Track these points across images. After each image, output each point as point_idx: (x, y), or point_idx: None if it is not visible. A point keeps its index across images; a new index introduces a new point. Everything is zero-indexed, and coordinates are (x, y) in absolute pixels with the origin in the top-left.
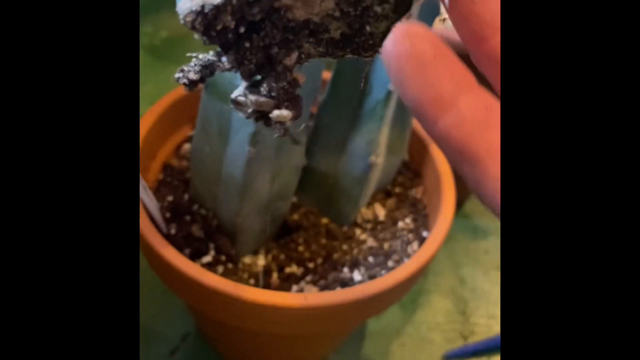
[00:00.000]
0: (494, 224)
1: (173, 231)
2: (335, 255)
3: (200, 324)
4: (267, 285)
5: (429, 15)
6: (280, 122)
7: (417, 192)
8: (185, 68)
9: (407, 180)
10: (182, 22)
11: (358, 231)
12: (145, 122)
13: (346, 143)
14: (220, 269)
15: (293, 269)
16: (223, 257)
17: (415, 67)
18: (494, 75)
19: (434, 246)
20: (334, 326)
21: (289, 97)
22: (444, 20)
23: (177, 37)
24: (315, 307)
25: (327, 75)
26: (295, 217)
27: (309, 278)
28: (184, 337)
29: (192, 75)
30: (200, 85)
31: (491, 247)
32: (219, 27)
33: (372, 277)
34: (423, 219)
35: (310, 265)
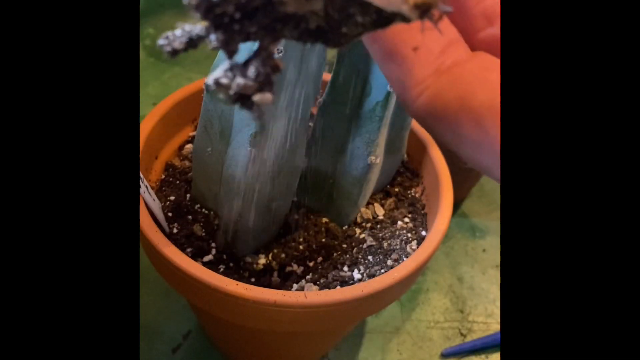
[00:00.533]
0: (492, 223)
1: (175, 230)
2: (335, 254)
3: (202, 321)
4: (267, 284)
5: None
6: (259, 105)
7: (416, 192)
8: (171, 36)
9: (406, 180)
10: (185, 1)
11: (357, 230)
12: (148, 123)
13: (346, 143)
14: (222, 267)
15: (293, 267)
16: (224, 256)
17: None
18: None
19: (433, 245)
20: (334, 324)
21: (269, 81)
22: None
23: None
24: (315, 305)
25: (327, 76)
26: (296, 216)
27: (309, 277)
28: (186, 335)
29: (177, 45)
30: (202, 87)
31: (489, 245)
32: (218, 12)
33: (371, 275)
34: (422, 219)
35: (311, 264)
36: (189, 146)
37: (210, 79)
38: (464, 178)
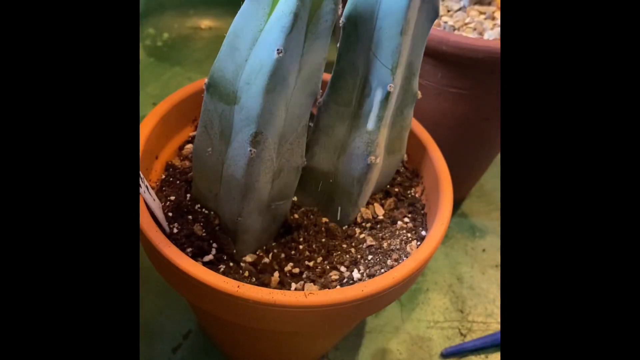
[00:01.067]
0: (492, 223)
1: (175, 230)
2: (335, 254)
3: (202, 321)
4: (267, 284)
5: (427, 18)
6: None
7: (416, 192)
8: None
9: (406, 180)
10: None
11: (357, 230)
12: (148, 123)
13: (346, 143)
14: (222, 267)
15: (293, 267)
16: (224, 256)
17: None
18: None
19: (433, 245)
20: (334, 324)
21: None
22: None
23: (180, 39)
24: (315, 305)
25: (327, 76)
26: (296, 216)
27: (309, 276)
28: (186, 335)
29: None
30: (202, 87)
31: (489, 245)
32: None
33: (371, 275)
34: (422, 218)
35: (310, 263)
36: (189, 146)
37: None
38: (464, 178)
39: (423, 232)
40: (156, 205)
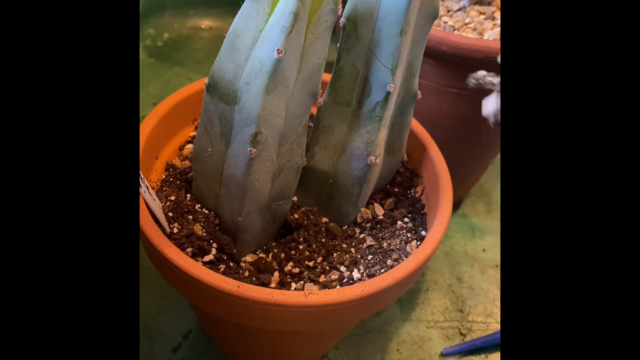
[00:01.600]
0: (492, 223)
1: (175, 230)
2: (335, 254)
3: (202, 321)
4: (267, 284)
5: (427, 18)
6: None
7: (415, 192)
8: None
9: (406, 180)
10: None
11: (357, 230)
12: (149, 123)
13: (345, 143)
14: (222, 267)
15: (293, 267)
16: (224, 256)
17: None
18: None
19: (432, 245)
20: (334, 324)
21: None
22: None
23: (180, 39)
24: (315, 305)
25: (327, 76)
26: (296, 216)
27: (309, 276)
28: (186, 334)
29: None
30: (202, 87)
31: (489, 245)
32: None
33: (371, 275)
34: (421, 218)
35: (310, 263)
36: (189, 146)
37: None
38: (464, 178)
39: (423, 232)
40: (156, 205)
